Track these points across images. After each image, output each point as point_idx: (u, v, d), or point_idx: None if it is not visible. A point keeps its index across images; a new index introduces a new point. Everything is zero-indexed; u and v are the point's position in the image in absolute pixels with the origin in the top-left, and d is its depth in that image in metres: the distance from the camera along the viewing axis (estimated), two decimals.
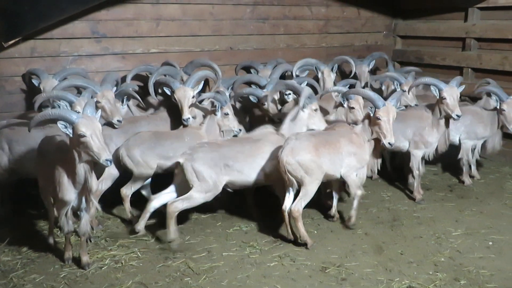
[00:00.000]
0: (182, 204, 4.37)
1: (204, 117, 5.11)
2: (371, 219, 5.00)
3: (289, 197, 4.45)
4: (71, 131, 3.52)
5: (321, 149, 4.36)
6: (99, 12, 6.01)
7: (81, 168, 3.61)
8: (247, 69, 6.85)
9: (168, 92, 5.19)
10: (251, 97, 5.37)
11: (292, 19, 7.27)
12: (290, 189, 4.42)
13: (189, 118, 4.98)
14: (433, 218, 4.98)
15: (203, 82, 5.29)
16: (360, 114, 5.05)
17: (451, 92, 5.02)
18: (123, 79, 5.79)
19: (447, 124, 5.23)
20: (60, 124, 3.54)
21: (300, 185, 4.36)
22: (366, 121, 4.61)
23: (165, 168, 4.81)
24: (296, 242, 4.45)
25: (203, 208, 5.35)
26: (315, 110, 4.83)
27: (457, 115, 4.97)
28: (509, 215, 5.00)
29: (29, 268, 4.11)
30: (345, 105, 5.12)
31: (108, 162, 3.50)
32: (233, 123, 5.05)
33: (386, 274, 3.95)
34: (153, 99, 5.62)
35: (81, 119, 3.49)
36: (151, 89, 5.36)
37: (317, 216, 5.08)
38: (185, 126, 5.05)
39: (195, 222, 5.04)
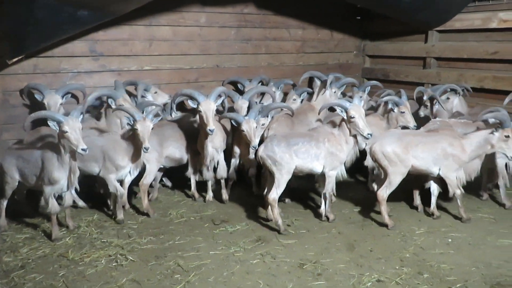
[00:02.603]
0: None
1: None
2: (344, 219, 5.00)
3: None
4: (58, 128, 4.12)
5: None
6: (97, 32, 5.95)
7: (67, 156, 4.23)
8: (234, 83, 6.85)
9: (193, 105, 5.10)
10: (232, 121, 5.28)
11: (272, 40, 7.30)
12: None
13: (214, 129, 4.93)
14: (399, 218, 4.99)
15: (223, 96, 5.28)
16: (410, 117, 5.40)
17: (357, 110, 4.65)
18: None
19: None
20: (50, 123, 4.15)
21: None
22: (343, 123, 4.73)
23: None
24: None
25: (192, 209, 5.32)
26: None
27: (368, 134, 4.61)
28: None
29: (29, 268, 4.01)
30: (396, 110, 5.44)
31: (83, 151, 4.09)
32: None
33: (357, 269, 3.95)
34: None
35: (66, 120, 4.11)
36: (174, 104, 5.43)
37: (295, 217, 5.07)
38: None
39: (184, 223, 4.98)
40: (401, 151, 4.65)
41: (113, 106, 5.26)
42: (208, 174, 5.48)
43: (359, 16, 8.05)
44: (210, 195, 5.61)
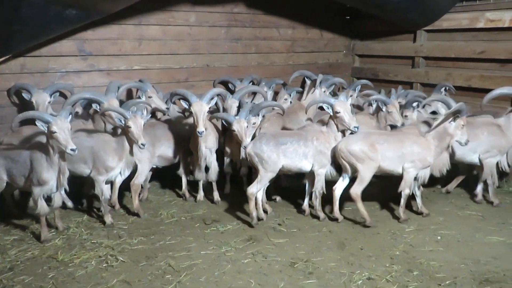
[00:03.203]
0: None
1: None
2: (335, 218, 5.01)
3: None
4: (46, 128, 4.08)
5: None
6: (85, 32, 5.90)
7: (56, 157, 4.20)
8: (224, 83, 6.84)
9: (185, 105, 5.09)
10: (223, 121, 5.28)
11: (262, 40, 7.31)
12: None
13: (203, 131, 4.90)
14: (389, 216, 5.03)
15: (216, 98, 5.22)
16: (398, 116, 5.44)
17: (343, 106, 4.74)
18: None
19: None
20: (38, 123, 4.10)
21: None
22: (331, 120, 4.81)
23: None
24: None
25: (183, 209, 5.31)
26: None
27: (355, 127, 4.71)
28: (455, 212, 5.11)
29: (18, 270, 3.96)
30: (384, 110, 5.48)
31: (73, 151, 4.04)
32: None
33: (348, 268, 3.97)
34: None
35: (54, 120, 4.07)
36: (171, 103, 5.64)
37: (286, 216, 5.08)
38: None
39: (175, 223, 4.96)
40: (368, 149, 4.67)
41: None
42: (200, 175, 5.46)
43: (349, 15, 8.09)
44: (201, 194, 5.59)
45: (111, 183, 4.95)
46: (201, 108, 4.92)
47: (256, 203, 4.84)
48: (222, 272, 3.91)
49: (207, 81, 6.84)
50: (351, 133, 4.79)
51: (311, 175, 4.94)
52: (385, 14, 7.04)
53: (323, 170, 4.86)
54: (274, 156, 4.70)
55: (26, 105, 5.36)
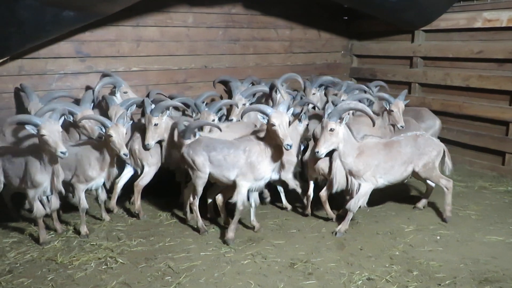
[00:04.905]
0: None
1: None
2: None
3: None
4: (36, 132, 4.05)
5: None
6: (83, 33, 5.90)
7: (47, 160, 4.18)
8: (224, 83, 6.82)
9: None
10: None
11: (260, 40, 7.32)
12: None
13: (149, 144, 4.84)
14: (388, 216, 5.05)
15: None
16: (399, 117, 5.33)
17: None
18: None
19: None
20: (28, 127, 4.08)
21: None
22: (267, 132, 4.44)
23: None
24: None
25: (182, 211, 5.30)
26: None
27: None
28: (453, 212, 5.11)
29: (17, 272, 3.96)
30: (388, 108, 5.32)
31: (63, 154, 4.01)
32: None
33: (347, 268, 3.98)
34: None
35: (43, 123, 4.04)
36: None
37: (285, 217, 5.09)
38: None
39: (174, 225, 4.96)
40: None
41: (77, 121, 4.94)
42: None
43: (346, 16, 8.11)
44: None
45: (112, 186, 4.90)
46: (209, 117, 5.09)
47: (192, 206, 4.67)
48: (222, 273, 3.91)
49: (205, 82, 6.84)
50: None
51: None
52: (383, 15, 7.07)
53: (245, 183, 4.45)
54: (201, 160, 4.44)
55: (22, 107, 5.37)
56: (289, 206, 5.29)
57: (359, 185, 4.60)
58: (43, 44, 5.57)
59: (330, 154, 4.58)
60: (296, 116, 4.84)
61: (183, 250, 4.34)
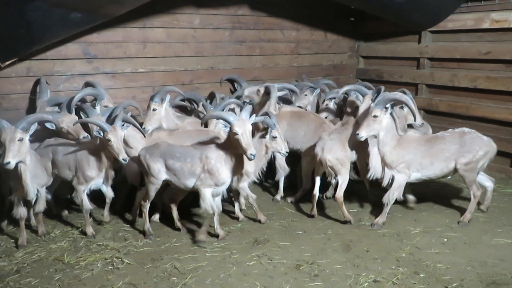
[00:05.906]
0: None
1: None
2: (340, 220, 5.01)
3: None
4: (102, 135, 4.33)
5: None
6: (90, 35, 5.95)
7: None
8: (231, 82, 6.88)
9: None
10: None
11: (266, 42, 7.33)
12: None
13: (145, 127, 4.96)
14: (395, 218, 5.02)
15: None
16: (417, 115, 5.28)
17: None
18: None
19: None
20: (47, 124, 4.31)
21: None
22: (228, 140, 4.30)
23: None
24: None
25: (187, 212, 5.32)
26: None
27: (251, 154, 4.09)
28: (461, 214, 5.08)
29: (24, 272, 3.99)
30: (405, 110, 5.11)
31: (124, 161, 4.26)
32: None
33: (354, 270, 3.96)
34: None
35: (110, 130, 4.31)
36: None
37: (291, 218, 5.08)
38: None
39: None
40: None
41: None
42: None
43: (353, 17, 8.09)
44: None
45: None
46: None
47: (142, 208, 4.61)
48: (228, 274, 3.91)
49: (211, 83, 6.87)
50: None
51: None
52: (389, 15, 7.05)
53: (207, 189, 4.36)
54: (158, 167, 4.39)
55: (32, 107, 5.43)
56: (241, 216, 5.09)
57: (393, 176, 4.74)
58: (51, 45, 5.63)
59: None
60: (264, 131, 4.83)
61: (189, 251, 4.35)
